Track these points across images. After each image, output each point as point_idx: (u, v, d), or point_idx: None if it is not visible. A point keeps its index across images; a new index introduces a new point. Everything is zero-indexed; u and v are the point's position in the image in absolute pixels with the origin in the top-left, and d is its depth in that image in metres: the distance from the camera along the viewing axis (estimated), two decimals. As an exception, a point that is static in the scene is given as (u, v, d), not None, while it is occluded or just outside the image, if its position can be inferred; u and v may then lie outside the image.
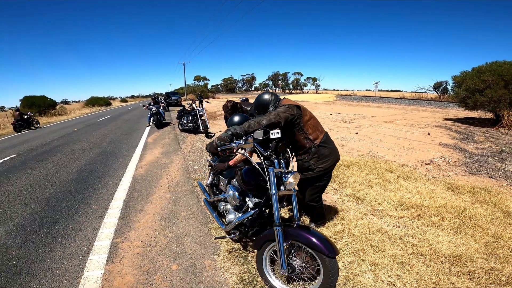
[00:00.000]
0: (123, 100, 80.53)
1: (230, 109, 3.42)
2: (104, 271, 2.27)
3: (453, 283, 1.96)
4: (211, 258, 2.41)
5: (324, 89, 58.49)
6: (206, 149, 3.01)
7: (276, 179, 1.92)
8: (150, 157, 6.18)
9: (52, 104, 27.08)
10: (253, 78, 63.81)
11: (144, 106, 12.24)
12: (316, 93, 46.88)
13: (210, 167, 3.29)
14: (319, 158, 2.33)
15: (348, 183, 3.92)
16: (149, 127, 11.43)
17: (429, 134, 7.78)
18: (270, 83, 58.66)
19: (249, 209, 2.21)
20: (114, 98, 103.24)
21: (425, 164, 5.00)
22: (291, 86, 57.01)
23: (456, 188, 3.73)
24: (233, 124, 2.62)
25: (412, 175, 4.22)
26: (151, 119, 11.50)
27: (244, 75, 64.72)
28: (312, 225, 2.75)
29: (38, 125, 15.26)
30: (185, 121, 9.36)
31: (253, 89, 63.77)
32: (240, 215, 2.27)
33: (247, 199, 2.28)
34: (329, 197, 3.51)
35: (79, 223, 3.17)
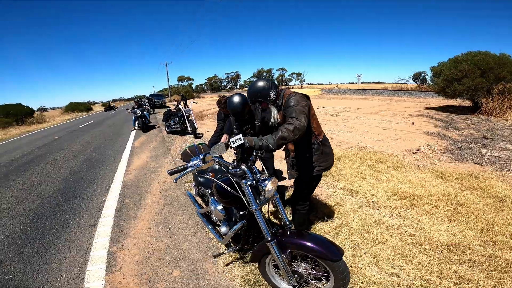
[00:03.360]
0: (104, 104, 77.84)
1: (224, 103, 3.37)
2: (105, 281, 2.20)
3: (455, 271, 2.01)
4: (212, 261, 2.39)
5: (308, 84, 59.16)
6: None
7: (252, 188, 1.72)
8: (138, 161, 6.04)
9: (29, 112, 25.89)
10: (238, 76, 63.50)
11: (127, 110, 11.91)
12: (301, 88, 47.26)
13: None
14: (321, 156, 2.16)
15: (341, 176, 3.98)
16: (135, 131, 11.16)
17: (413, 123, 8.02)
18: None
19: (237, 221, 2.05)
20: (95, 103, 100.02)
21: (413, 153, 5.16)
22: (276, 82, 57.23)
23: (445, 176, 3.86)
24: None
25: (401, 165, 4.34)
26: (136, 122, 11.22)
27: (228, 73, 64.33)
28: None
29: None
30: (172, 123, 9.20)
31: (238, 87, 63.45)
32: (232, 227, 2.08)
33: (233, 211, 2.10)
34: (323, 191, 3.55)
35: (72, 233, 3.05)
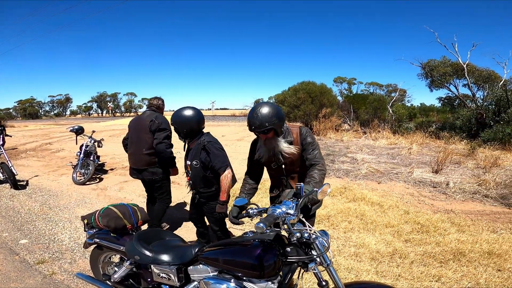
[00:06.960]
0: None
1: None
2: None
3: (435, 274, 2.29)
4: None
5: (160, 110, 56.67)
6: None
7: (303, 245, 1.26)
8: None
9: None
10: (68, 99, 51.10)
11: None
12: (153, 114, 44.48)
13: (98, 247, 1.92)
14: None
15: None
16: None
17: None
18: (95, 105, 49.47)
19: None
20: None
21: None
22: (123, 109, 50.66)
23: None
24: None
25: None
26: None
27: (54, 96, 50.43)
28: None
29: None
30: (-41, 170, 5.60)
31: (68, 113, 51.02)
32: None
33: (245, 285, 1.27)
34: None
35: None
